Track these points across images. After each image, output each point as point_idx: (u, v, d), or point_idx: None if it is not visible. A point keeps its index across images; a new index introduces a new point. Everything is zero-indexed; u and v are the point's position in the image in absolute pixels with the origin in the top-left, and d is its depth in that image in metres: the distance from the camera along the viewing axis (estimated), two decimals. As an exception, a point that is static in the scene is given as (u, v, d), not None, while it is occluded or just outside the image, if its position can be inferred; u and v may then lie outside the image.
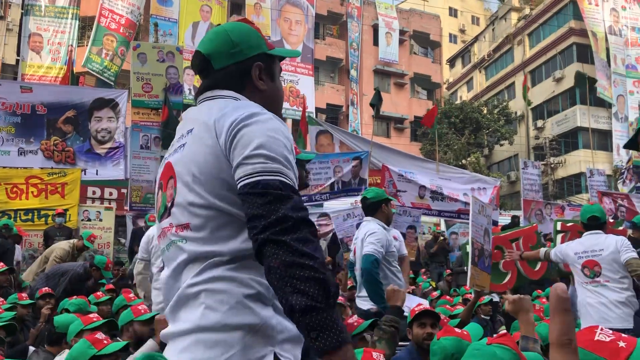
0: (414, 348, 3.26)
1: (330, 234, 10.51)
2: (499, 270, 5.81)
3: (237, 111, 1.35)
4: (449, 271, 10.31)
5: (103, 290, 6.32)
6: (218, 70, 1.50)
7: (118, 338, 3.90)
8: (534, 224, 6.72)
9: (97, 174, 10.85)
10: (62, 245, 7.48)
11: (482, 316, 6.34)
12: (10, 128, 10.50)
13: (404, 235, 7.83)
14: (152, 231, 4.97)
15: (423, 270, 10.72)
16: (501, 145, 30.35)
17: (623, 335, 1.11)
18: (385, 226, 4.24)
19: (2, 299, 5.16)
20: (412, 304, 3.64)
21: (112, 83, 20.81)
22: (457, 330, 2.73)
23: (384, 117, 29.48)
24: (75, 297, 5.08)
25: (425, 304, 3.77)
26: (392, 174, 11.18)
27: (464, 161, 27.40)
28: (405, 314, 3.48)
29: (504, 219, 12.76)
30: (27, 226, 9.43)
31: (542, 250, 4.95)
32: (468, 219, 6.19)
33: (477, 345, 1.97)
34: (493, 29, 37.00)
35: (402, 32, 31.44)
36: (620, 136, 26.48)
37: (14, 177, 9.77)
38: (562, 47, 29.88)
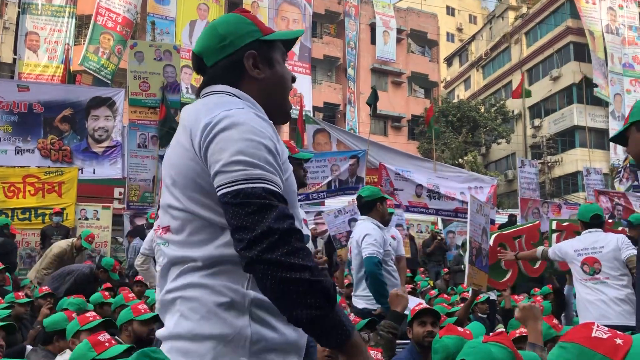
0: (414, 347, 3.26)
1: (327, 233, 10.51)
2: (500, 268, 5.81)
3: (212, 112, 1.28)
4: (446, 270, 10.33)
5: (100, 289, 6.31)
6: (212, 66, 1.46)
7: (117, 337, 3.90)
8: (537, 222, 6.71)
9: (94, 172, 10.84)
10: (60, 244, 7.50)
11: (479, 314, 6.35)
12: (7, 127, 10.47)
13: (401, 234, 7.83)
14: None
15: (422, 269, 10.73)
16: (498, 143, 30.39)
17: (618, 332, 1.12)
18: (381, 225, 4.24)
19: (-1, 298, 5.16)
20: (412, 303, 3.65)
21: (109, 82, 20.75)
22: (459, 329, 2.74)
23: (381, 115, 29.49)
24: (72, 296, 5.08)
25: (423, 303, 3.78)
26: (389, 173, 11.19)
27: (461, 160, 27.43)
28: (406, 312, 3.49)
29: (501, 218, 12.80)
30: (24, 225, 9.42)
31: (539, 249, 4.95)
32: (465, 218, 6.20)
33: (473, 343, 1.98)
34: (490, 28, 37.02)
35: (399, 31, 31.45)
36: (617, 135, 26.46)
37: (11, 176, 9.76)
38: (559, 46, 29.92)
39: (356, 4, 29.99)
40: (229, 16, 1.51)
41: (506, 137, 29.37)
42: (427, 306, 3.51)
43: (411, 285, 7.38)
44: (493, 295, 6.67)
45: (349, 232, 8.26)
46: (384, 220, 4.41)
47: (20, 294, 5.30)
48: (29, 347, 4.08)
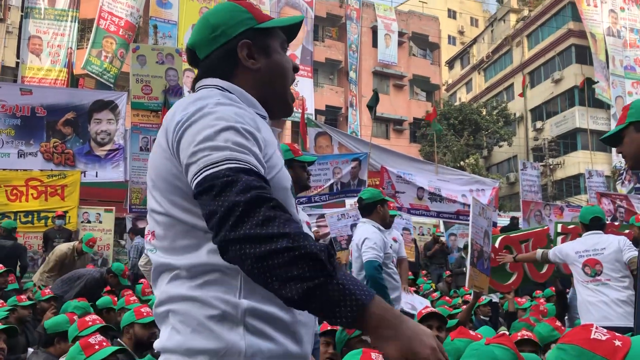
0: None
1: (329, 236, 10.52)
2: (505, 271, 5.81)
3: (186, 109, 1.20)
4: (448, 272, 10.32)
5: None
6: (204, 59, 1.37)
7: (119, 340, 3.91)
8: (546, 227, 6.68)
9: (96, 176, 10.86)
10: (61, 248, 7.51)
11: (482, 317, 6.35)
12: (10, 130, 10.51)
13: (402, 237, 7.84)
14: None
15: (424, 272, 10.73)
16: (500, 146, 30.37)
17: (617, 334, 1.13)
18: (381, 227, 4.24)
19: (1, 301, 5.17)
20: (416, 302, 3.65)
21: (111, 85, 20.81)
22: (471, 332, 2.74)
23: (383, 118, 29.50)
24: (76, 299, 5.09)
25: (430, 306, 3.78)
26: (391, 175, 11.20)
27: (462, 162, 27.41)
28: (412, 312, 3.49)
29: (503, 220, 12.79)
30: (27, 228, 9.45)
31: (539, 251, 4.93)
32: (467, 220, 6.20)
33: (476, 345, 1.99)
34: (492, 31, 37.04)
35: (401, 34, 31.47)
36: (619, 137, 26.44)
37: (13, 180, 9.79)
38: (560, 49, 29.91)
39: (358, 7, 30.03)
40: (222, 5, 1.41)
41: (508, 139, 29.35)
42: (434, 310, 3.50)
43: (413, 288, 7.38)
44: (495, 298, 6.67)
45: (350, 237, 8.26)
46: (385, 222, 4.41)
47: (23, 297, 5.31)
48: (30, 350, 4.09)
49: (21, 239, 9.08)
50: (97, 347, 2.83)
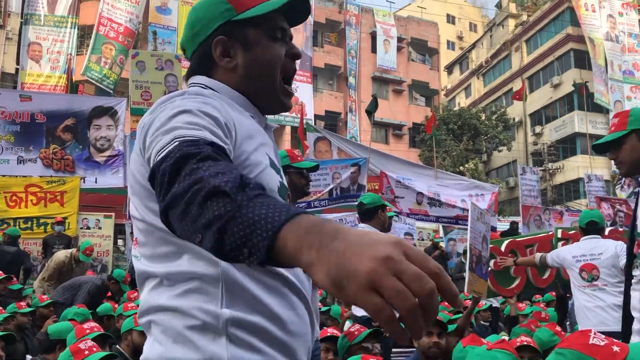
0: (419, 357, 3.25)
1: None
2: (509, 275, 5.81)
3: (153, 110, 1.14)
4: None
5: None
6: (190, 58, 1.30)
7: (117, 346, 3.90)
8: (550, 232, 6.67)
9: (96, 182, 10.86)
10: (59, 256, 7.48)
11: (482, 322, 6.33)
12: (9, 137, 10.52)
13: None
14: None
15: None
16: (499, 151, 30.40)
17: (615, 340, 1.13)
18: (380, 233, 4.24)
19: (0, 308, 5.16)
20: None
21: (111, 91, 20.85)
22: (483, 340, 2.73)
23: (382, 123, 29.54)
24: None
25: None
26: (390, 180, 11.21)
27: (462, 167, 27.44)
28: None
29: (503, 225, 12.79)
30: (27, 234, 9.44)
31: (537, 255, 4.92)
32: (466, 225, 6.19)
33: (478, 350, 1.99)
34: (491, 36, 37.14)
35: (400, 39, 31.55)
36: (618, 142, 26.47)
37: (13, 186, 9.79)
38: (559, 54, 30.00)
39: (357, 12, 30.12)
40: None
41: (507, 144, 29.39)
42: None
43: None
44: (496, 303, 6.66)
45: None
46: (384, 228, 4.41)
47: (23, 303, 5.30)
48: (28, 357, 4.08)
49: (21, 245, 9.08)
50: (87, 352, 2.85)
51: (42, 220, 9.60)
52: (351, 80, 29.56)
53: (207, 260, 1.09)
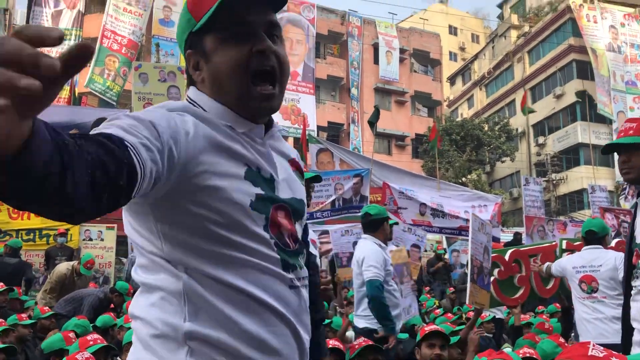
0: None
1: (332, 253, 10.47)
2: (513, 285, 5.78)
3: None
4: (452, 289, 10.25)
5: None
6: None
7: (119, 358, 3.89)
8: (554, 242, 6.65)
9: (98, 193, 10.86)
10: (61, 269, 7.44)
11: (485, 334, 6.28)
12: (12, 148, 10.55)
13: (407, 252, 7.79)
14: None
15: (427, 288, 10.66)
16: (502, 162, 30.38)
17: (614, 352, 1.12)
18: (382, 244, 4.24)
19: (1, 320, 5.15)
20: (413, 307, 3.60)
21: (114, 103, 20.95)
22: (498, 353, 2.71)
23: (385, 134, 29.59)
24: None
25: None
26: (393, 191, 11.19)
27: (464, 178, 27.41)
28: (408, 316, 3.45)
29: (507, 236, 12.73)
30: (29, 246, 9.44)
31: (544, 266, 4.92)
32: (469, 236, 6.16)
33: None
34: (493, 47, 37.26)
35: (402, 51, 31.68)
36: (621, 152, 26.45)
37: (16, 197, 9.80)
38: (561, 64, 30.06)
39: (359, 24, 30.28)
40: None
41: (510, 155, 29.37)
42: (437, 328, 3.47)
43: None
44: (500, 314, 6.61)
45: (352, 254, 8.23)
46: (387, 239, 4.42)
47: (24, 315, 5.29)
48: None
49: (23, 256, 9.09)
50: None
51: (44, 232, 9.61)
52: (354, 91, 29.65)
53: (170, 273, 1.11)
